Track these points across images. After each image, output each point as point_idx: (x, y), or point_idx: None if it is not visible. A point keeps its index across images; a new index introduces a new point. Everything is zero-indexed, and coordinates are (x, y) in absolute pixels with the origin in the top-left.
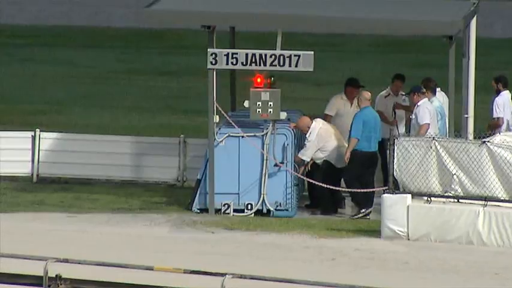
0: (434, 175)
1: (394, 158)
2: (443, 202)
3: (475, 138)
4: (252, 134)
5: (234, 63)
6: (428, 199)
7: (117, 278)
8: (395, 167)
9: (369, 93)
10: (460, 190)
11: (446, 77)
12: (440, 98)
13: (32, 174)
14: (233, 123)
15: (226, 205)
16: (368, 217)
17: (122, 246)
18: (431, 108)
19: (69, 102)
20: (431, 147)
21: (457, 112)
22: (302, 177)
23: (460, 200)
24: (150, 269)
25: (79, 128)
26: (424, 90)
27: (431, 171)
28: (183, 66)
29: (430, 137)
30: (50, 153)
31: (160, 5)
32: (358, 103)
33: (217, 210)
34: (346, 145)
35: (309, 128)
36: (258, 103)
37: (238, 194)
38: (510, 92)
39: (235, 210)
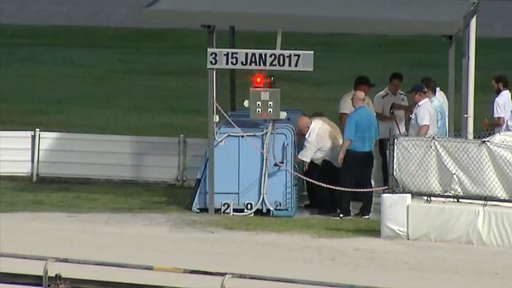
0: (434, 175)
1: (394, 158)
2: (443, 202)
3: (474, 138)
4: (252, 134)
5: (234, 62)
6: (428, 199)
7: (117, 277)
8: (395, 166)
9: (363, 93)
10: (459, 190)
11: (446, 77)
12: (440, 98)
13: (32, 174)
14: (233, 123)
15: (226, 205)
16: (368, 217)
17: (121, 246)
18: (432, 108)
19: (69, 101)
20: (431, 147)
21: (456, 112)
22: (302, 177)
23: (459, 200)
24: (150, 268)
25: (79, 127)
26: (426, 89)
27: (431, 171)
28: (183, 66)
29: (429, 137)
30: (49, 153)
31: (160, 5)
32: (352, 103)
33: (217, 210)
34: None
35: (308, 128)
36: (257, 103)
37: (238, 193)
38: (510, 91)
39: (235, 210)
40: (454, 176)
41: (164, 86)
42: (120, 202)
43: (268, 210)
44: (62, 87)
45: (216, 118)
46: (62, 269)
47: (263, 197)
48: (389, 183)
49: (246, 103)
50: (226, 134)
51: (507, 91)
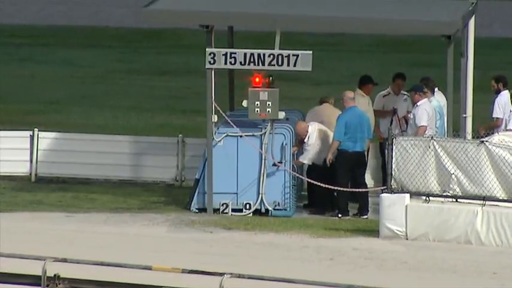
0: (432, 175)
1: (392, 158)
2: (442, 202)
3: (473, 138)
4: (251, 134)
5: (233, 62)
6: (427, 199)
7: (116, 277)
8: (393, 166)
9: (353, 93)
10: (458, 190)
11: (444, 77)
12: (439, 98)
13: (31, 174)
14: (231, 123)
15: (224, 205)
16: (366, 216)
17: (120, 246)
18: (430, 109)
19: (68, 101)
20: (429, 147)
21: (455, 112)
22: (301, 176)
23: (458, 200)
24: (149, 268)
25: (78, 127)
26: (426, 90)
27: (429, 171)
28: (182, 65)
29: (428, 137)
30: (48, 153)
31: (159, 5)
32: (342, 103)
33: (216, 210)
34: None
35: (307, 132)
36: (256, 103)
37: (236, 193)
38: (510, 91)
39: (233, 210)
40: (453, 176)
41: (163, 86)
42: (118, 202)
43: (267, 210)
44: (61, 87)
45: (215, 118)
46: (60, 268)
47: (262, 197)
48: (388, 183)
49: (244, 103)
50: (225, 134)
51: (507, 91)
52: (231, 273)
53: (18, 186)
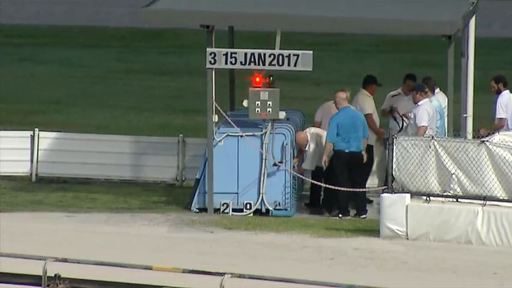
0: (433, 175)
1: (393, 158)
2: (442, 202)
3: (474, 137)
4: (251, 134)
5: (233, 62)
6: (427, 199)
7: (116, 277)
8: (394, 166)
9: (344, 93)
10: (459, 190)
11: (445, 77)
12: (440, 98)
13: (31, 174)
14: (232, 123)
15: (225, 204)
16: (365, 216)
17: (120, 246)
18: (431, 109)
19: (68, 101)
20: (430, 147)
21: (456, 112)
22: (301, 176)
23: (459, 200)
24: (149, 268)
25: (78, 127)
26: (427, 89)
27: (430, 171)
28: (182, 65)
29: (429, 137)
30: (48, 153)
31: (159, 5)
32: (336, 104)
33: (216, 210)
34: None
35: (307, 141)
36: (257, 103)
37: (237, 193)
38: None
39: (234, 210)
40: (453, 175)
41: (163, 85)
42: (119, 202)
43: (268, 210)
44: (61, 87)
45: (215, 118)
46: (61, 268)
47: (262, 197)
48: (388, 183)
49: (245, 103)
50: (226, 134)
51: (507, 91)
52: (232, 273)
53: (19, 186)
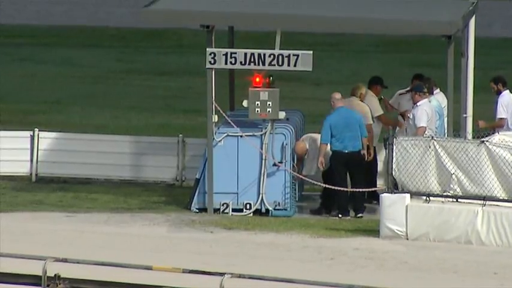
0: (433, 175)
1: (393, 158)
2: (442, 202)
3: (473, 137)
4: (251, 134)
5: (233, 62)
6: (427, 199)
7: (116, 277)
8: (394, 166)
9: (339, 94)
10: (458, 190)
11: (445, 77)
12: (440, 98)
13: (31, 174)
14: (232, 123)
15: (225, 205)
16: (361, 215)
17: (120, 246)
18: (430, 110)
19: (68, 101)
20: (430, 147)
21: (455, 112)
22: (301, 177)
23: (458, 200)
24: (149, 268)
25: (78, 127)
26: (426, 90)
27: (430, 171)
28: (182, 65)
29: (428, 137)
30: (48, 153)
31: (159, 5)
32: (331, 105)
33: (216, 210)
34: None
35: (306, 150)
36: (256, 103)
37: (237, 193)
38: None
39: (234, 210)
40: (453, 176)
41: (163, 86)
42: (119, 202)
43: (267, 210)
44: (61, 87)
45: (215, 118)
46: (61, 268)
47: (262, 197)
48: (388, 183)
49: (245, 103)
50: (225, 134)
51: (507, 91)
52: (232, 273)
53: (19, 186)
